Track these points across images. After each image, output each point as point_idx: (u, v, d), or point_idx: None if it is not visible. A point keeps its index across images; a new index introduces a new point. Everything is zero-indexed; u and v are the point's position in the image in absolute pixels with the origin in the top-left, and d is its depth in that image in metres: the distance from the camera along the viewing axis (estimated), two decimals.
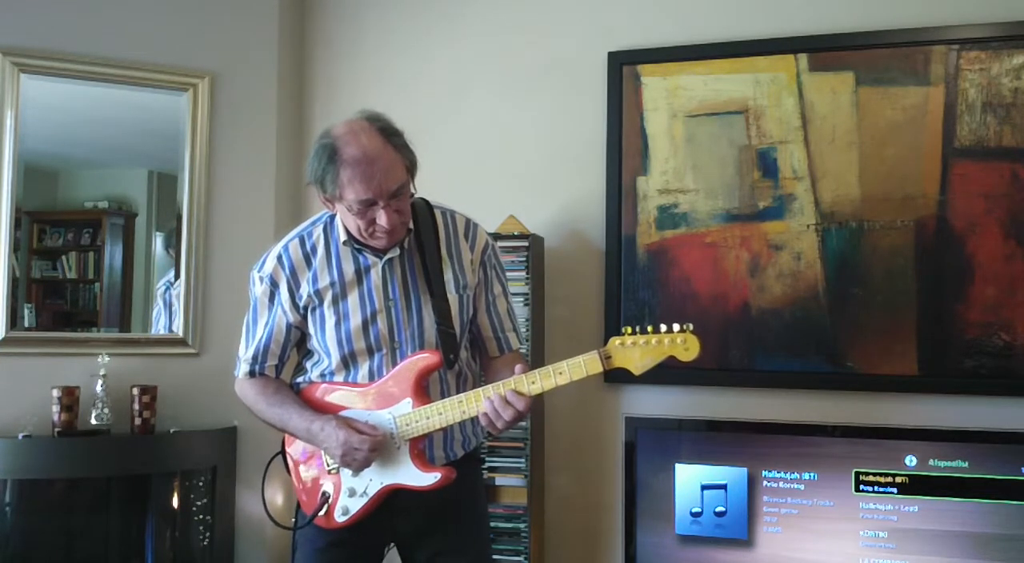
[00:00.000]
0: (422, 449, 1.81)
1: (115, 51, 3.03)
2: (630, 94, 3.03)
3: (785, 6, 2.93)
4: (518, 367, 1.75)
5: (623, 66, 3.04)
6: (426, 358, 1.79)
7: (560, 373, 1.70)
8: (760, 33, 2.93)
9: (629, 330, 1.69)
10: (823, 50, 2.86)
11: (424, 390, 1.80)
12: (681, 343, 1.66)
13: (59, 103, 3.04)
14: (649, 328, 1.69)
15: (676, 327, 1.67)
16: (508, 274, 2.82)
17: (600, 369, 1.69)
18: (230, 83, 3.20)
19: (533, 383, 1.71)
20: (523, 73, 3.20)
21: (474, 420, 1.77)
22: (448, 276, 1.85)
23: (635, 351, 1.68)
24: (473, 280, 1.89)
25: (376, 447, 1.75)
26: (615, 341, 1.70)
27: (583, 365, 1.69)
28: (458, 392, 1.82)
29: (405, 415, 1.78)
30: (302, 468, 1.91)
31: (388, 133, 1.73)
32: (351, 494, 1.82)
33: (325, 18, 3.46)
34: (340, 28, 3.43)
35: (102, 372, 2.87)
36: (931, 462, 2.58)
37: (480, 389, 1.76)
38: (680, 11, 3.04)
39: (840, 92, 2.84)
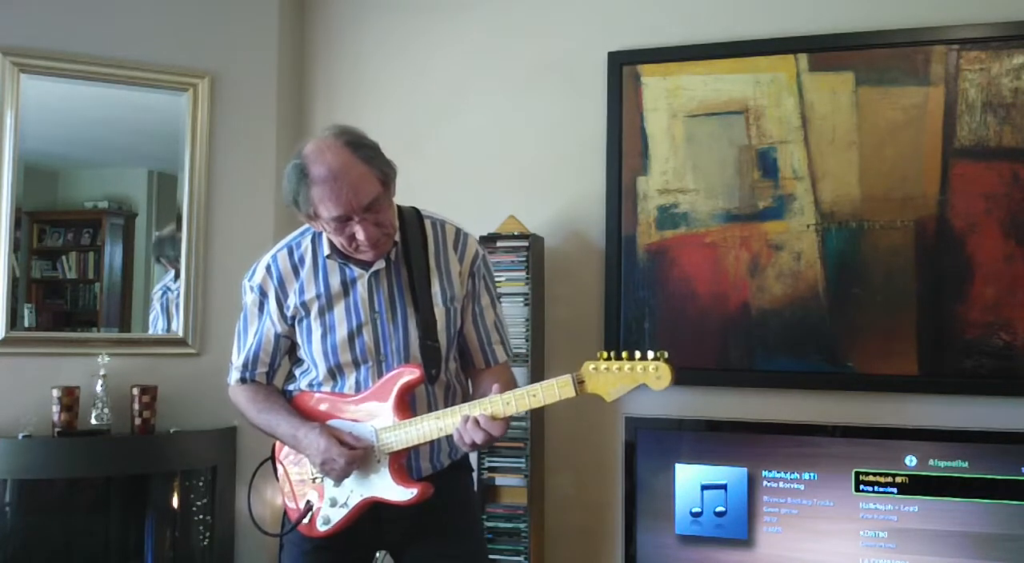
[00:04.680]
0: (403, 464, 1.79)
1: (115, 51, 3.04)
2: (630, 94, 3.03)
3: (785, 6, 2.94)
4: (495, 387, 1.72)
5: (623, 66, 3.03)
6: (408, 373, 1.77)
7: (534, 395, 1.67)
8: (760, 33, 2.93)
9: (604, 355, 1.65)
10: (823, 50, 2.86)
11: (407, 404, 1.78)
12: (653, 371, 1.61)
13: (59, 103, 3.04)
14: (624, 354, 1.64)
15: (651, 354, 1.62)
16: (508, 274, 2.87)
17: (573, 394, 1.65)
18: (230, 83, 3.20)
19: (508, 404, 1.69)
20: (523, 73, 3.20)
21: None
22: (435, 288, 1.82)
23: (608, 377, 1.64)
24: (461, 292, 1.86)
25: (354, 460, 1.74)
26: (589, 366, 1.66)
27: (556, 389, 1.66)
28: (446, 405, 1.81)
29: (386, 429, 1.77)
30: (289, 475, 1.91)
31: (355, 147, 1.70)
32: (332, 504, 1.81)
33: (325, 18, 3.46)
34: (340, 28, 3.43)
35: (102, 372, 2.87)
36: (931, 462, 2.58)
37: (458, 407, 1.74)
38: (680, 11, 3.04)
39: (840, 92, 2.84)
